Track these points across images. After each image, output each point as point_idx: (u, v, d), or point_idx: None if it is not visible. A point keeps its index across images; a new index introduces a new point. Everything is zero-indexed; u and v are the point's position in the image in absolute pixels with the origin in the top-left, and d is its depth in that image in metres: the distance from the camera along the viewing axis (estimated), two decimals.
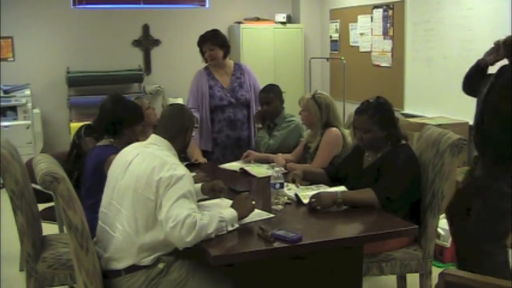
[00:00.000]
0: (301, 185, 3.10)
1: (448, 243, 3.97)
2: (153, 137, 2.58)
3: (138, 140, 3.65)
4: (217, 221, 2.34)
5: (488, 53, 3.28)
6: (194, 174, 3.15)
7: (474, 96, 3.33)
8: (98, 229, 2.53)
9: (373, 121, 2.90)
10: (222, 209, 2.46)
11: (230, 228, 2.39)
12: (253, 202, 2.55)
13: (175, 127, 2.59)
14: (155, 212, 2.33)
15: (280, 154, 3.77)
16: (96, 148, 3.14)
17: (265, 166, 3.70)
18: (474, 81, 3.31)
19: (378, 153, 2.98)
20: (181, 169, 2.39)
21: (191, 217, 2.26)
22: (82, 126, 3.93)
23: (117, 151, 3.04)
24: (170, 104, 3.77)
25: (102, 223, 2.51)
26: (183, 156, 4.05)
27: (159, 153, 2.45)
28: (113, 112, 3.14)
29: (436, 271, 3.01)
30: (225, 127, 4.20)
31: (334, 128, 3.56)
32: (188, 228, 2.24)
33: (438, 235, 3.79)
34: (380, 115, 2.91)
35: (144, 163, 2.41)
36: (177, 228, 2.24)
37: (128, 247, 2.37)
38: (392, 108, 3.02)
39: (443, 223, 3.68)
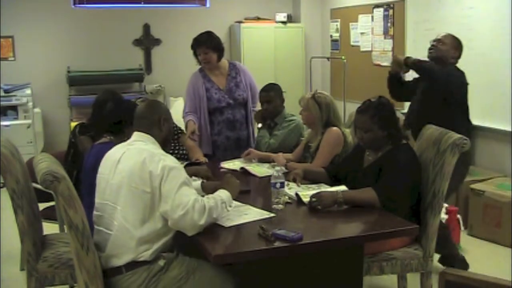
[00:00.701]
0: (301, 184, 3.11)
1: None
2: (136, 135, 2.62)
3: None
4: (220, 203, 2.45)
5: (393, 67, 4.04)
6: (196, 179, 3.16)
7: (399, 100, 4.31)
8: (95, 232, 2.53)
9: (373, 121, 2.90)
10: (217, 192, 2.55)
11: (229, 208, 2.52)
12: (238, 181, 2.72)
13: (148, 120, 2.62)
14: (151, 204, 2.36)
15: (280, 154, 3.77)
16: (96, 145, 3.15)
17: (266, 165, 3.70)
18: (394, 88, 4.11)
19: (379, 153, 2.98)
20: (170, 159, 2.44)
21: (199, 201, 2.35)
22: (77, 125, 3.93)
23: None
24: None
25: (97, 226, 2.52)
26: (184, 156, 4.06)
27: (145, 147, 2.49)
28: (116, 112, 3.18)
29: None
30: (225, 129, 4.19)
31: (334, 128, 3.56)
32: (199, 212, 2.33)
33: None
34: (381, 114, 2.91)
35: (133, 158, 2.44)
36: (188, 214, 2.31)
37: (126, 242, 2.37)
38: (394, 108, 3.03)
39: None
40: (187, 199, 2.32)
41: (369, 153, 3.05)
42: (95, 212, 2.55)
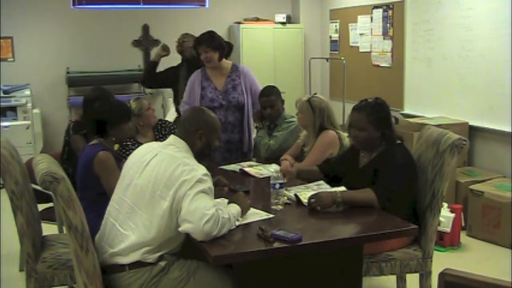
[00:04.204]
0: (299, 184, 3.10)
1: (448, 228, 4.26)
2: (172, 138, 2.60)
3: (130, 137, 3.66)
4: (232, 217, 2.43)
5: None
6: None
7: (151, 87, 5.56)
8: (106, 224, 2.52)
9: (369, 120, 2.90)
10: (228, 206, 2.53)
11: (237, 223, 2.48)
12: (249, 201, 2.68)
13: (187, 127, 2.60)
14: (170, 213, 2.35)
15: (287, 161, 3.70)
16: (87, 147, 3.16)
17: (268, 166, 3.66)
18: (150, 76, 5.05)
19: (373, 153, 2.97)
20: (201, 170, 2.41)
21: (216, 213, 2.32)
22: (71, 123, 3.94)
23: (106, 148, 3.06)
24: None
25: (112, 219, 2.50)
26: None
27: (178, 154, 2.47)
28: (97, 113, 3.15)
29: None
30: None
31: (331, 131, 3.56)
32: (213, 223, 2.30)
33: (439, 222, 3.90)
34: (376, 115, 2.91)
35: (163, 164, 2.42)
36: (202, 221, 2.28)
37: (138, 245, 2.38)
38: (389, 110, 3.02)
39: (442, 211, 3.79)
40: (204, 206, 2.31)
41: (363, 154, 3.04)
42: (113, 204, 2.53)
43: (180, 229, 2.34)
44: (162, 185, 2.37)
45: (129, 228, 2.41)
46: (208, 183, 2.40)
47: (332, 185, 3.03)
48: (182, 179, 2.34)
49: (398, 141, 2.97)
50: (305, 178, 3.21)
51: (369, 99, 3.00)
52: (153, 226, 2.36)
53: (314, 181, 3.17)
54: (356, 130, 2.96)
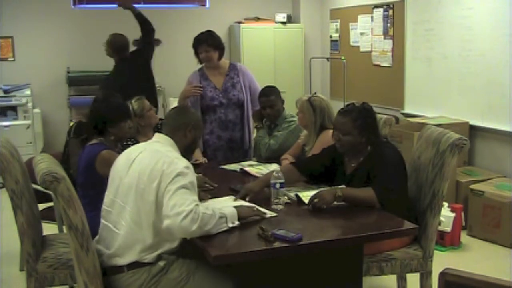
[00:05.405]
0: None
1: (448, 228, 4.27)
2: (157, 135, 2.62)
3: (131, 137, 3.68)
4: (218, 216, 2.35)
5: None
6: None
7: None
8: (101, 227, 2.53)
9: (355, 125, 2.87)
10: (223, 206, 2.50)
11: (230, 225, 2.40)
12: (255, 209, 2.61)
13: (174, 124, 2.62)
14: (156, 207, 2.34)
15: (287, 161, 3.68)
16: (87, 146, 3.17)
17: (269, 166, 3.66)
18: None
19: (361, 157, 2.94)
20: (182, 162, 2.40)
21: (194, 208, 2.27)
22: (74, 123, 3.96)
23: (107, 147, 3.08)
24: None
25: (105, 221, 2.51)
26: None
27: (162, 149, 2.48)
28: (96, 112, 3.18)
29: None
30: (216, 128, 4.19)
31: (331, 130, 3.55)
32: (192, 219, 2.25)
33: (439, 222, 3.90)
34: (363, 120, 2.89)
35: (146, 159, 2.43)
36: (180, 217, 2.24)
37: (132, 243, 2.38)
38: (376, 116, 3.00)
39: (443, 211, 3.77)
40: (182, 202, 2.26)
41: (349, 159, 3.00)
42: (104, 207, 2.54)
43: (163, 226, 2.31)
44: (145, 179, 2.37)
45: (121, 226, 2.41)
46: (189, 177, 2.36)
47: (330, 185, 3.03)
48: (162, 171, 2.34)
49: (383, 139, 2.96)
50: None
51: (356, 103, 2.98)
52: (142, 221, 2.36)
53: (293, 181, 3.07)
54: (339, 133, 2.93)
